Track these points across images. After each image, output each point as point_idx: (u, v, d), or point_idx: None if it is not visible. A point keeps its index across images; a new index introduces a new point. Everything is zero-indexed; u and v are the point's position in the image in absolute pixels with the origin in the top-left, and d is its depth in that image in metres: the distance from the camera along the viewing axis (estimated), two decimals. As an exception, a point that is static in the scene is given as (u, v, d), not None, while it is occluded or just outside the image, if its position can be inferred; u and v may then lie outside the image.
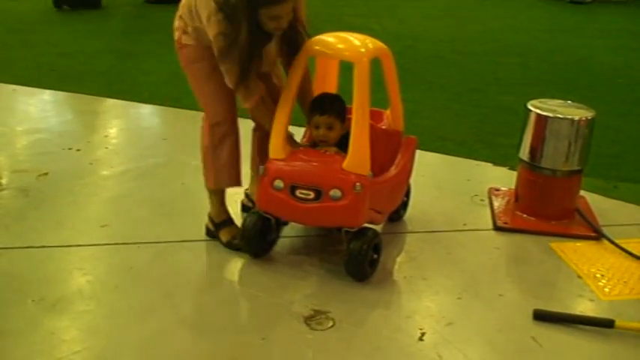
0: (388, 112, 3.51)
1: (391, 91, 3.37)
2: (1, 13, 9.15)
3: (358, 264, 3.01)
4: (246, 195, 3.67)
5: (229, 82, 2.96)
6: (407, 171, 3.45)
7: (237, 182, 3.33)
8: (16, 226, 3.48)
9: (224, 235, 3.33)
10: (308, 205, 2.98)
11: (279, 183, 3.01)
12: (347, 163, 2.96)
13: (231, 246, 3.29)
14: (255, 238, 3.15)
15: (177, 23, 3.14)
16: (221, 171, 3.26)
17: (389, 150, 3.37)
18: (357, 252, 2.98)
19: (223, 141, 3.20)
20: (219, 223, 3.35)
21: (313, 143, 3.21)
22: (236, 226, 3.35)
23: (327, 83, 3.41)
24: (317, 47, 3.08)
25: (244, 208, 3.64)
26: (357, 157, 2.94)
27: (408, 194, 3.65)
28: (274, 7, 2.81)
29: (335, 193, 2.93)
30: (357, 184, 2.92)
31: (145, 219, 3.58)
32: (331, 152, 3.09)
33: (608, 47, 8.35)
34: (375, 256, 3.09)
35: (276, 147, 3.04)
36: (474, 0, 11.55)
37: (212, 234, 3.37)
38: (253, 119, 3.39)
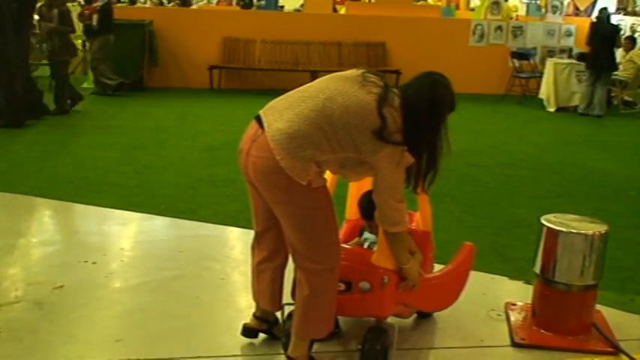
0: (418, 214, 3.66)
1: (419, 193, 3.46)
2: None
3: None
4: (256, 317, 3.49)
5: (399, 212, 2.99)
6: (451, 276, 3.56)
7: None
8: (29, 339, 3.47)
9: None
10: (339, 296, 3.11)
11: None
12: (375, 258, 3.13)
13: None
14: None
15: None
16: (331, 318, 3.18)
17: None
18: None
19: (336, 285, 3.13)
20: None
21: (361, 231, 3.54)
22: None
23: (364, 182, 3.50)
24: None
25: (246, 332, 3.46)
26: (385, 252, 3.10)
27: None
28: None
29: (364, 285, 3.10)
30: (385, 277, 3.08)
31: (159, 334, 3.56)
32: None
33: (620, 159, 8.43)
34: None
35: None
36: (485, 113, 11.76)
37: None
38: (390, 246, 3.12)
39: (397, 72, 12.74)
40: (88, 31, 12.03)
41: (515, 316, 3.81)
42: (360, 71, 3.02)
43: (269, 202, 3.00)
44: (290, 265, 3.16)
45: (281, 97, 3.05)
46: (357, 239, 3.58)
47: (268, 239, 3.25)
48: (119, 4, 15.16)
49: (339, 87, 2.94)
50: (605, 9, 12.57)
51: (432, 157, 3.02)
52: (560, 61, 13.12)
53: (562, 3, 15.53)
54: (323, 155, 2.89)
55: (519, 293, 4.09)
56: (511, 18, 15.62)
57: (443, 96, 2.98)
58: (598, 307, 3.76)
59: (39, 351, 3.34)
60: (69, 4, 11.61)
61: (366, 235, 3.48)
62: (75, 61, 13.64)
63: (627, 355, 3.42)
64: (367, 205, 3.29)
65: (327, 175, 3.30)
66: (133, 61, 12.46)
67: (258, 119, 2.99)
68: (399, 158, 2.89)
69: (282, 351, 3.25)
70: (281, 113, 2.93)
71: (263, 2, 16.63)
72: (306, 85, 3.07)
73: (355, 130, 2.85)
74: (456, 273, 3.60)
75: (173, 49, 13.17)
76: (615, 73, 12.36)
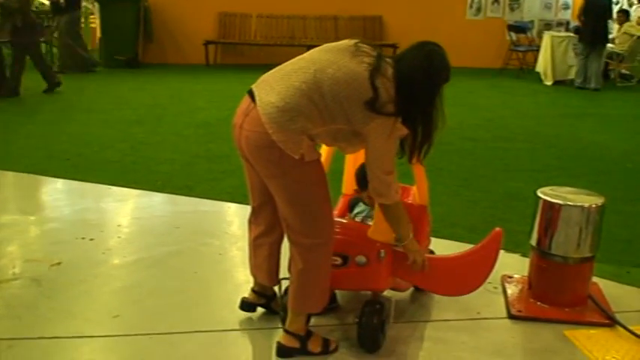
0: (414, 188, 3.66)
1: (416, 167, 3.47)
2: (18, 103, 9.35)
3: (371, 336, 3.14)
4: (254, 291, 3.49)
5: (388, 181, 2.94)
6: (466, 260, 3.36)
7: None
8: (28, 316, 3.48)
9: (317, 345, 3.13)
10: (336, 270, 3.10)
11: None
12: (371, 231, 3.12)
13: (329, 352, 3.15)
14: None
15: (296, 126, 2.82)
16: (326, 292, 3.16)
17: (413, 223, 3.43)
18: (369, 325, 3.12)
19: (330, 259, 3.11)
20: (306, 334, 3.12)
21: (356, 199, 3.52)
22: (317, 334, 3.20)
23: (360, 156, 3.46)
24: None
25: (244, 306, 3.47)
26: (381, 225, 3.08)
27: None
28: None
29: (360, 259, 3.10)
30: (381, 250, 3.09)
31: (157, 309, 3.57)
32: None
33: (616, 132, 8.44)
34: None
35: None
36: (482, 87, 11.74)
37: (291, 352, 3.10)
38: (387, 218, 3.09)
39: (394, 46, 12.67)
40: (55, 9, 11.90)
41: (511, 289, 3.83)
42: (353, 41, 2.97)
43: (262, 176, 3.00)
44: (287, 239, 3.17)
45: (273, 70, 3.02)
46: (348, 215, 3.57)
47: (265, 214, 3.25)
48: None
49: (330, 58, 2.90)
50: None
51: (427, 129, 2.98)
52: (557, 34, 13.09)
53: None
54: (315, 128, 2.86)
55: (516, 266, 4.10)
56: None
57: (439, 67, 2.94)
58: (594, 279, 3.78)
59: (37, 327, 3.34)
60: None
61: (357, 209, 3.47)
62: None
63: (623, 326, 3.43)
64: (363, 175, 3.25)
65: (324, 149, 3.29)
66: (128, 37, 12.42)
67: (251, 93, 2.97)
68: (391, 129, 2.86)
69: (280, 325, 3.26)
70: (272, 86, 2.91)
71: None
72: (298, 57, 3.03)
73: (346, 101, 2.82)
74: (474, 258, 3.37)
75: (168, 25, 13.11)
76: (611, 46, 12.34)
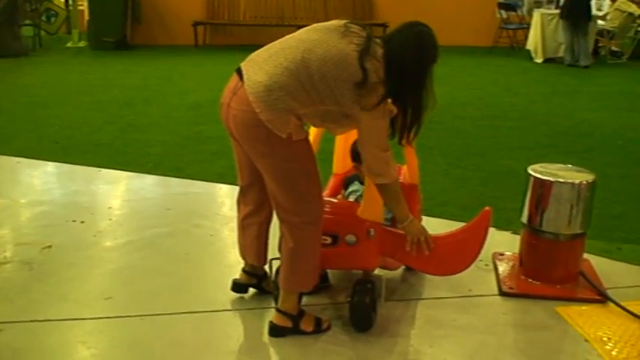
0: (405, 167, 3.65)
1: (404, 145, 3.42)
2: (7, 86, 9.30)
3: (363, 315, 3.16)
4: (245, 272, 3.48)
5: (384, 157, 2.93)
6: (455, 239, 3.32)
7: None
8: (19, 299, 3.47)
9: (309, 324, 3.16)
10: (326, 249, 3.11)
11: None
12: (361, 211, 3.12)
13: (322, 330, 3.17)
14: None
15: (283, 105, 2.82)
16: (316, 270, 3.16)
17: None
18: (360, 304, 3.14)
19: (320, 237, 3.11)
20: (298, 314, 3.14)
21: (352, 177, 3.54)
22: (309, 313, 3.22)
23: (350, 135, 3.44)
24: None
25: (236, 287, 3.46)
26: (371, 205, 3.09)
27: None
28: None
29: (350, 238, 3.10)
30: (371, 230, 3.09)
31: (149, 291, 3.57)
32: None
33: (607, 109, 8.44)
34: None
35: None
36: (472, 65, 11.72)
37: (283, 331, 3.13)
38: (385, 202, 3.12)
39: (384, 25, 12.60)
40: None
41: (503, 266, 3.84)
42: (343, 22, 2.96)
43: (251, 155, 2.99)
44: (276, 219, 3.16)
45: (262, 48, 3.01)
46: (342, 193, 3.57)
47: (253, 193, 3.24)
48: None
49: (319, 38, 2.89)
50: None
51: (417, 109, 2.97)
52: (547, 11, 13.03)
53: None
54: (302, 108, 2.85)
55: (507, 243, 4.11)
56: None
57: (428, 47, 2.93)
58: (585, 255, 3.79)
59: (29, 310, 3.34)
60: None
61: (352, 187, 3.46)
62: (58, 21, 13.49)
63: (615, 302, 3.45)
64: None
65: (312, 130, 3.28)
66: (116, 19, 12.32)
67: (239, 72, 2.96)
68: (382, 109, 2.85)
69: (272, 305, 3.27)
70: (260, 65, 2.90)
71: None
72: (288, 37, 3.01)
73: (334, 82, 2.81)
74: (463, 237, 3.31)
75: (157, 6, 13.03)
76: (602, 23, 12.32)
